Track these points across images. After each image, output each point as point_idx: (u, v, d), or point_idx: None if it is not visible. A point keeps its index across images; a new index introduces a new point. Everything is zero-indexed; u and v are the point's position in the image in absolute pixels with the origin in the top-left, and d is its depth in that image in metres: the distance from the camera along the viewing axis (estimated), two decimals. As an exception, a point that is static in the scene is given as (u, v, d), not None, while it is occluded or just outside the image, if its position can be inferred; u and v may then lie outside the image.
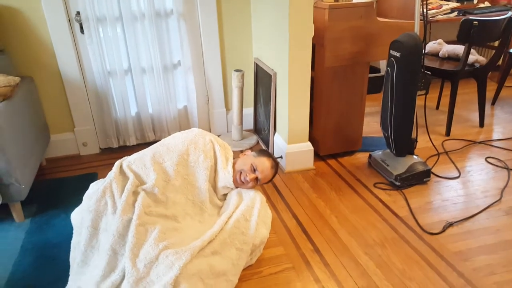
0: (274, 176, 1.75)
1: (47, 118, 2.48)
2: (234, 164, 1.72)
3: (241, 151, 2.58)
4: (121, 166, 1.61)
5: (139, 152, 1.68)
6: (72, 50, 2.34)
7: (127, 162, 1.63)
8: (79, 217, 1.52)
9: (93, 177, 2.27)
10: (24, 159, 1.89)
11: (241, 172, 1.66)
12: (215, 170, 1.68)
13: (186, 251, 1.32)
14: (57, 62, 2.35)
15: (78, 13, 2.28)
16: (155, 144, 1.70)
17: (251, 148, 2.62)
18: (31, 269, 1.59)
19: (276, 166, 1.75)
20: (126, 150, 2.63)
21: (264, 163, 1.68)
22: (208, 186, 1.65)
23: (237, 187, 1.71)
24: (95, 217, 1.47)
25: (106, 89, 2.45)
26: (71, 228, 1.58)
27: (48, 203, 2.06)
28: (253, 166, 1.66)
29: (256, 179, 1.67)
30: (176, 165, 1.60)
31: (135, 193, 1.51)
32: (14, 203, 1.86)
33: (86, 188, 1.69)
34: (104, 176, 1.65)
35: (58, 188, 2.20)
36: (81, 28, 2.32)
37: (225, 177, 1.66)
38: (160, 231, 1.41)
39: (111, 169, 1.62)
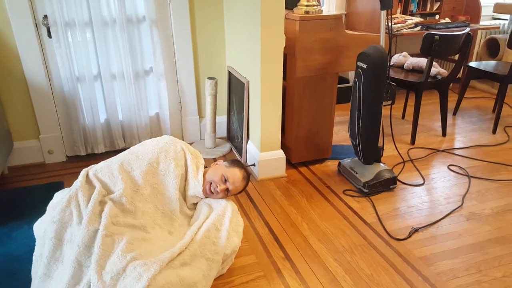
0: (245, 187, 1.74)
1: (10, 125, 2.38)
2: (205, 173, 1.70)
3: (214, 159, 2.57)
4: (87, 175, 1.57)
5: (107, 160, 1.64)
6: (38, 54, 2.26)
7: (94, 170, 1.58)
8: (42, 228, 1.46)
9: (59, 186, 2.19)
10: (-16, 168, 1.79)
11: (211, 183, 1.65)
12: (186, 179, 1.66)
13: (155, 263, 1.30)
14: (22, 66, 2.27)
15: (45, 16, 2.22)
16: (123, 152, 1.67)
17: (224, 156, 2.62)
18: (-11, 284, 1.51)
19: (247, 177, 1.74)
20: (94, 158, 2.56)
21: (235, 174, 1.67)
22: (178, 195, 1.63)
23: (206, 197, 1.70)
24: (59, 228, 1.42)
25: (74, 95, 2.38)
26: (34, 240, 1.51)
27: (9, 213, 1.96)
28: (224, 177, 1.65)
29: (227, 190, 1.66)
30: (145, 174, 1.57)
31: (102, 203, 1.47)
32: (-29, 214, 1.77)
33: (51, 197, 1.63)
34: (70, 185, 1.60)
35: (21, 198, 2.10)
36: (49, 32, 2.25)
37: (195, 186, 1.64)
38: (128, 242, 1.37)
39: (78, 177, 1.57)
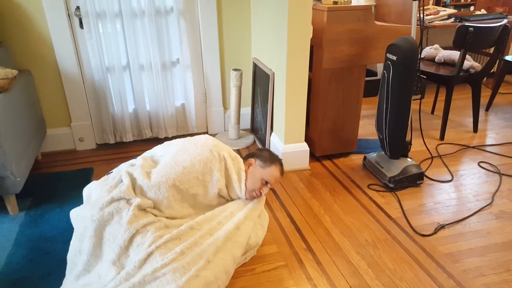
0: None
1: (44, 112, 2.48)
2: (245, 179, 1.68)
3: (237, 150, 2.59)
4: (132, 184, 1.56)
5: (154, 170, 1.59)
6: (70, 44, 2.34)
7: (140, 187, 1.55)
8: (82, 225, 1.48)
9: (89, 172, 2.27)
10: (20, 152, 1.89)
11: (254, 190, 1.66)
12: (229, 186, 1.67)
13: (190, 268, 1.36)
14: (56, 56, 2.35)
15: (78, 8, 2.29)
16: (169, 159, 1.62)
17: (248, 148, 2.63)
18: (25, 262, 1.60)
19: (282, 168, 1.74)
20: (123, 146, 2.64)
21: (274, 174, 1.67)
22: (217, 202, 1.67)
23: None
24: (98, 227, 1.43)
25: (104, 85, 2.45)
26: (66, 222, 1.58)
27: (43, 196, 2.06)
28: (264, 181, 1.66)
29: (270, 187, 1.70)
30: (191, 188, 1.58)
31: (143, 210, 1.51)
32: (8, 196, 1.86)
33: (81, 183, 1.69)
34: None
35: (53, 182, 2.20)
36: (81, 23, 2.32)
37: (241, 194, 1.67)
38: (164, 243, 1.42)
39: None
